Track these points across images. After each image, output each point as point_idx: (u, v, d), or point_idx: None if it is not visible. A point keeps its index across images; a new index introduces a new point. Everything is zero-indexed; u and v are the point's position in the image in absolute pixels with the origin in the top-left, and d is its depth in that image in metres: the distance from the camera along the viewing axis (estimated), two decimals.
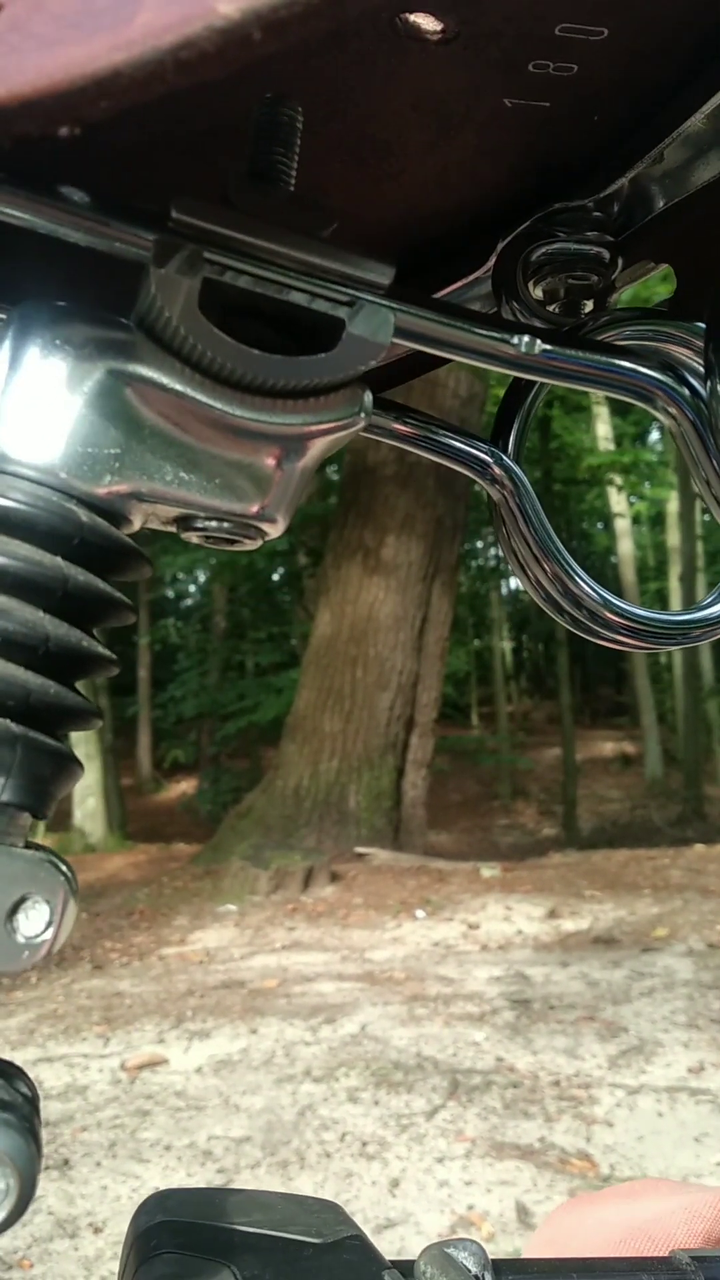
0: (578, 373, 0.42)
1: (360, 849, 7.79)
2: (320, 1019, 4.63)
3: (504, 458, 0.47)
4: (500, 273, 0.50)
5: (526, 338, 0.39)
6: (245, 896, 7.12)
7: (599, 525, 18.66)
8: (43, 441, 0.34)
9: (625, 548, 15.10)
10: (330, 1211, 0.51)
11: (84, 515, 0.34)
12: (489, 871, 7.32)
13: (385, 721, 8.31)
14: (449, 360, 0.41)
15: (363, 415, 0.36)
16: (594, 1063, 4.02)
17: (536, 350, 0.39)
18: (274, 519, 0.37)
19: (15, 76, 0.24)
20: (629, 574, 14.89)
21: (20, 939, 0.32)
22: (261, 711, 13.17)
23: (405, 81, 0.44)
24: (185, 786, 16.54)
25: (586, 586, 0.48)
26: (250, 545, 0.38)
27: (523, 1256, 0.51)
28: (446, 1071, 4.02)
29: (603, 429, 14.55)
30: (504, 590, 19.25)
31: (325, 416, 0.35)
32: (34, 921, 0.33)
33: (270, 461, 0.36)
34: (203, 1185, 3.08)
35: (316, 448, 0.36)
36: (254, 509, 0.36)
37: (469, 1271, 0.46)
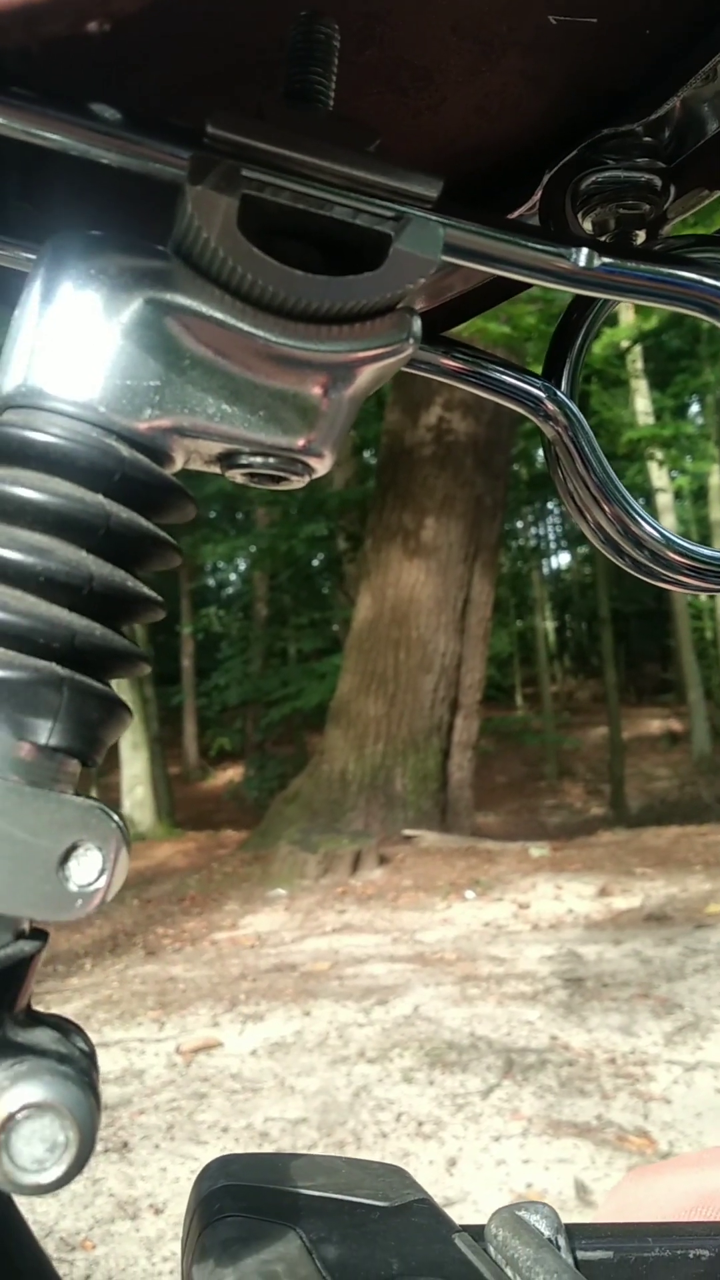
0: (639, 286, 0.40)
1: (407, 831, 7.79)
2: (373, 1000, 4.64)
3: (558, 393, 0.45)
4: (548, 205, 0.48)
5: (585, 250, 0.37)
6: (294, 881, 7.15)
7: (640, 501, 18.41)
8: (80, 376, 0.33)
9: (668, 523, 14.90)
10: (396, 1175, 0.50)
11: (125, 451, 0.32)
12: (538, 851, 7.29)
13: (429, 704, 8.28)
14: (501, 281, 0.39)
15: (411, 341, 0.34)
16: (649, 1040, 3.99)
17: (596, 264, 0.37)
18: (320, 453, 0.36)
19: None
20: None
21: (73, 887, 0.31)
22: (305, 697, 13.20)
23: (444, 1, 0.42)
24: (232, 774, 16.66)
25: (648, 526, 0.46)
26: (296, 483, 0.37)
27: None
28: (501, 1050, 4.01)
29: (641, 403, 14.35)
30: (545, 570, 19.11)
31: (372, 342, 0.34)
32: (86, 869, 0.32)
33: (316, 391, 0.34)
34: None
35: (364, 376, 0.35)
36: (300, 443, 0.35)
37: (541, 1234, 0.45)
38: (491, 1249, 0.44)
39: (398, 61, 0.46)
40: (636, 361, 13.90)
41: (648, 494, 14.64)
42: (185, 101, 0.39)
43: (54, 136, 0.31)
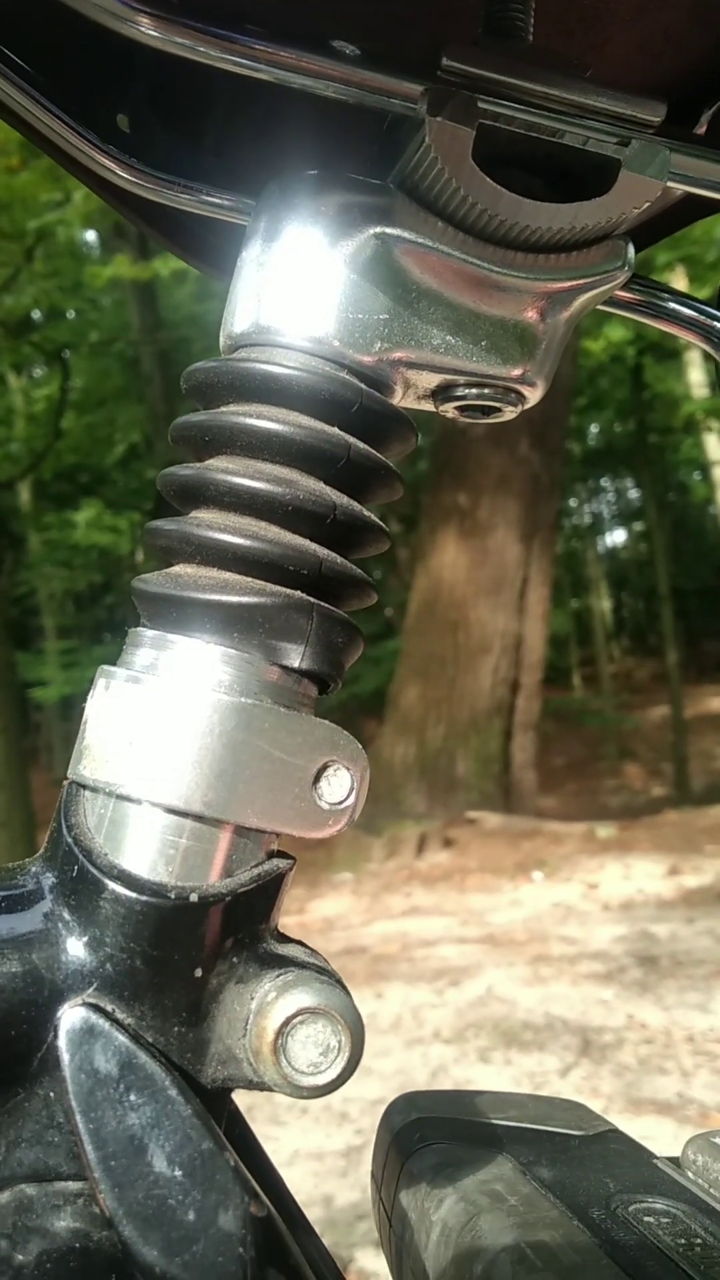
0: None
1: (471, 814, 7.77)
2: (444, 982, 4.65)
3: None
4: (714, 141, 0.48)
5: None
6: (360, 864, 7.18)
7: (696, 475, 18.13)
8: (313, 312, 0.34)
9: None
10: (580, 1109, 0.51)
11: (361, 384, 0.33)
12: (604, 831, 7.24)
13: (490, 685, 8.25)
14: (690, 202, 0.39)
15: (626, 268, 0.35)
16: None
17: None
18: (534, 382, 0.36)
19: None
20: None
21: (324, 805, 0.32)
22: (361, 684, 13.22)
23: None
24: None
25: None
26: (509, 414, 0.37)
27: None
28: (577, 1030, 4.00)
29: (696, 375, 14.10)
30: (600, 548, 18.90)
31: (592, 270, 0.34)
32: (337, 788, 0.33)
33: (534, 319, 0.35)
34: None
35: (579, 303, 0.35)
36: (517, 372, 0.35)
37: None
38: (690, 1173, 0.45)
39: (567, 2, 0.46)
40: None
41: (704, 468, 14.40)
42: (383, 41, 0.40)
43: (294, 76, 0.31)
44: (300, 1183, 2.83)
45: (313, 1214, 2.72)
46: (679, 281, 10.25)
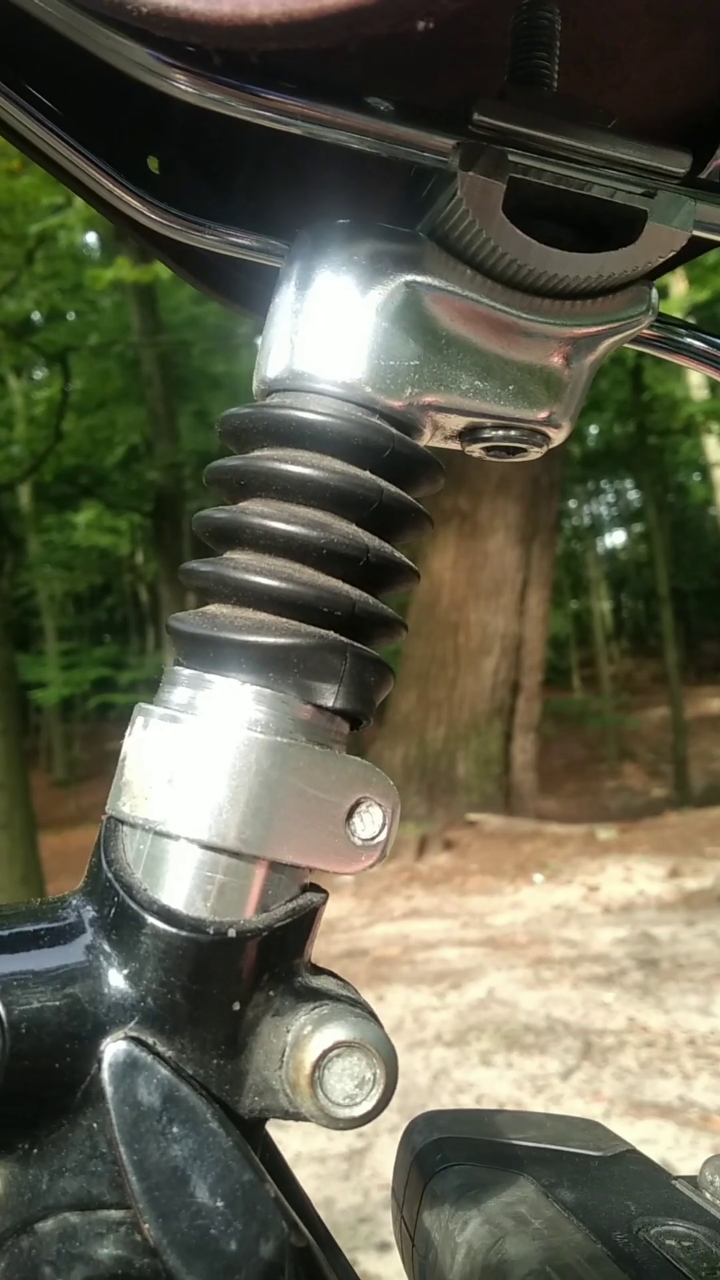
0: None
1: (471, 815, 7.78)
2: (446, 984, 4.66)
3: None
4: None
5: None
6: None
7: (696, 476, 18.14)
8: (345, 358, 0.34)
9: None
10: (598, 1129, 0.52)
11: (392, 429, 0.34)
12: (605, 833, 7.24)
13: (490, 687, 8.26)
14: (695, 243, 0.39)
15: (650, 312, 0.36)
16: None
17: None
18: (560, 424, 0.37)
19: None
20: None
21: (357, 841, 0.33)
22: None
23: None
24: None
25: None
26: (534, 454, 0.38)
27: None
28: (578, 1033, 4.01)
29: (695, 377, 14.11)
30: (599, 549, 18.90)
31: (616, 315, 0.35)
32: (369, 824, 0.33)
33: (560, 364, 0.36)
34: (387, 1149, 3.14)
35: (604, 347, 0.36)
36: (543, 415, 0.36)
37: None
38: (708, 1194, 0.45)
39: (589, 41, 0.46)
40: None
41: (704, 469, 14.41)
42: (404, 93, 0.41)
43: (329, 130, 0.32)
44: (303, 1185, 2.85)
45: None
46: (678, 283, 10.26)
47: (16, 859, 6.38)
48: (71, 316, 12.80)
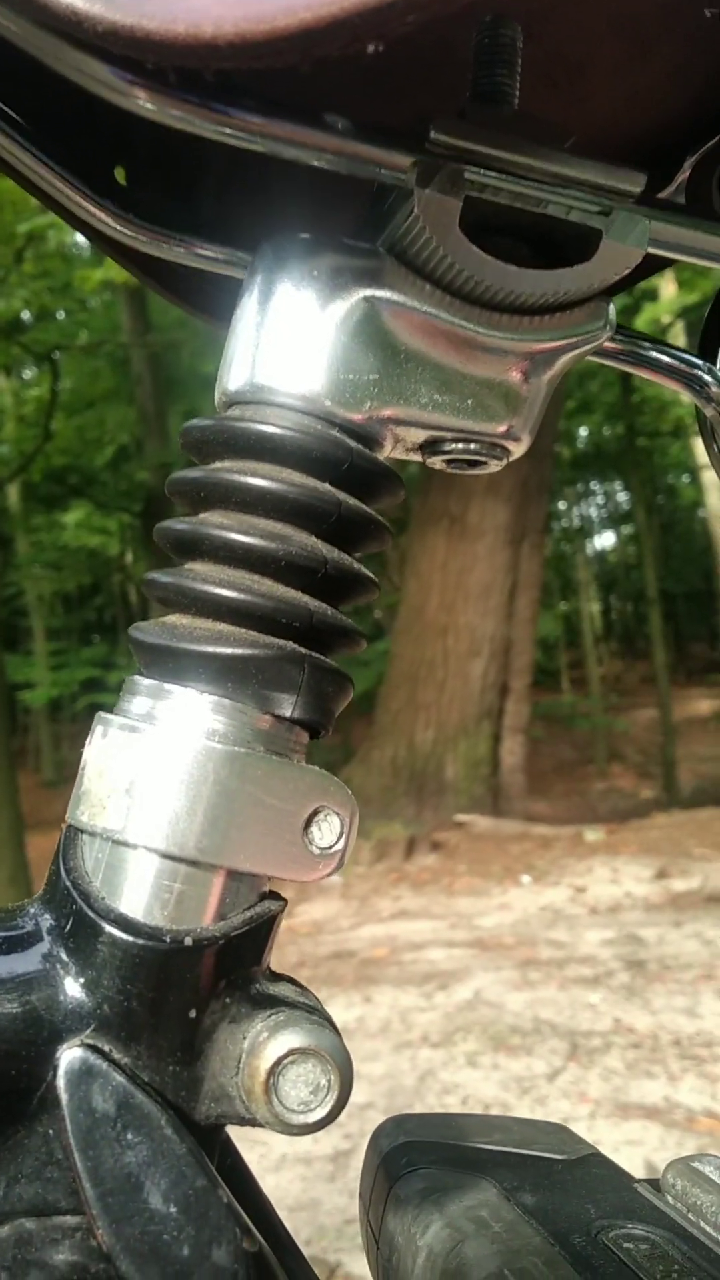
0: None
1: (460, 817, 7.79)
2: (433, 985, 4.66)
3: (717, 371, 0.46)
4: (694, 189, 0.49)
5: None
6: (349, 868, 7.19)
7: (685, 478, 18.20)
8: (305, 371, 0.35)
9: (715, 501, 14.68)
10: (563, 1132, 0.52)
11: (351, 441, 0.34)
12: (593, 835, 7.26)
13: (479, 689, 8.28)
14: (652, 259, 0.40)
15: (608, 328, 0.36)
16: (715, 1021, 3.98)
17: None
18: (519, 438, 0.37)
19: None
20: (719, 528, 14.50)
21: (315, 850, 0.34)
22: None
23: None
24: None
25: None
26: (494, 466, 0.39)
27: None
28: (565, 1034, 4.02)
29: None
30: (589, 551, 18.95)
31: (573, 330, 0.35)
32: (327, 833, 0.34)
33: (518, 379, 0.36)
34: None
35: (562, 362, 0.37)
36: (502, 428, 0.37)
37: (716, 1184, 0.47)
38: (670, 1198, 0.46)
39: (554, 56, 0.47)
40: (679, 337, 13.71)
41: (692, 471, 14.45)
42: (369, 109, 0.41)
43: (288, 147, 0.33)
44: (288, 1188, 2.84)
45: (300, 1219, 2.73)
46: (667, 286, 10.29)
47: (4, 859, 6.37)
48: (61, 316, 12.77)
